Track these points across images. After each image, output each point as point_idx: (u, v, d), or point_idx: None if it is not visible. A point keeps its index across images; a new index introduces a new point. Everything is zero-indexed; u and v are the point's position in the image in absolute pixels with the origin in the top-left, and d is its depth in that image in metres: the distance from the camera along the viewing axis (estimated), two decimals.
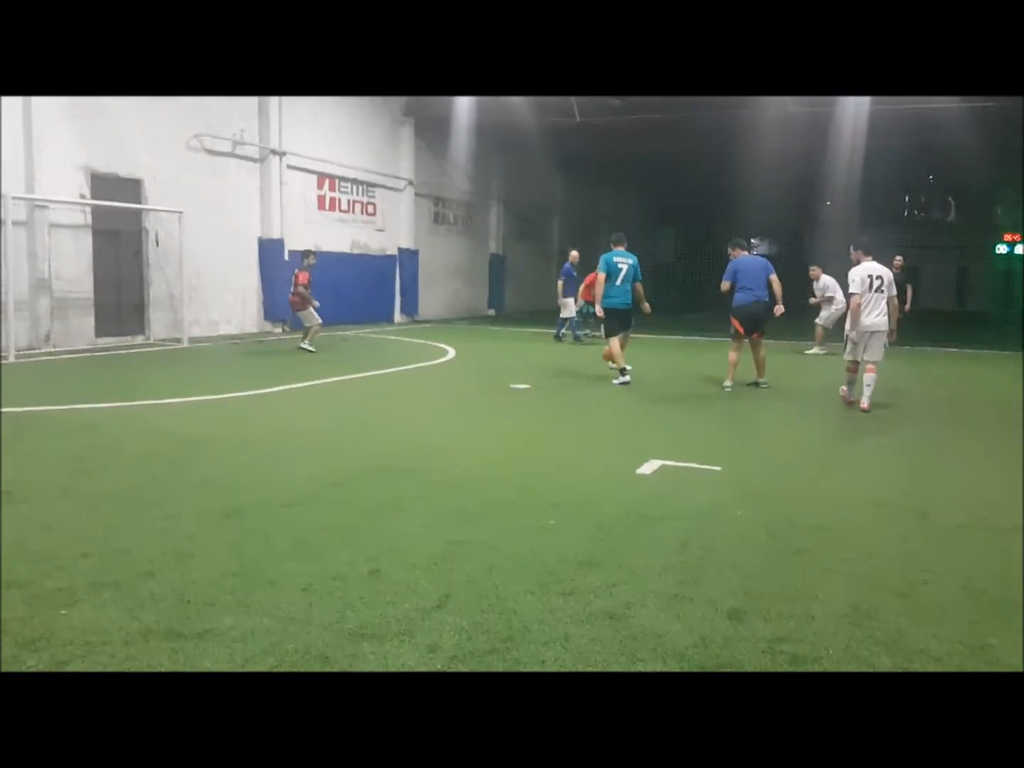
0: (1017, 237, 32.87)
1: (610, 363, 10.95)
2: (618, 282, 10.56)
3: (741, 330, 10.25)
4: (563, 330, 16.85)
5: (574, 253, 17.10)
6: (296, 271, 13.67)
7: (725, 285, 10.57)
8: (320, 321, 13.67)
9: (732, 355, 10.33)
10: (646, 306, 11.08)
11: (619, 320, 10.67)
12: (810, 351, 15.06)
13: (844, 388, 9.16)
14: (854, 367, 9.01)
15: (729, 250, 10.84)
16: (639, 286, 10.81)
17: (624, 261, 10.64)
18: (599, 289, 10.61)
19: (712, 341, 17.96)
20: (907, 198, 36.55)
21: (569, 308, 16.54)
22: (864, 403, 8.62)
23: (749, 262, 10.52)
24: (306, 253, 13.93)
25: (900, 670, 3.09)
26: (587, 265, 14.98)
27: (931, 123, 16.71)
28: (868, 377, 8.70)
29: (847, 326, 9.08)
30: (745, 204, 30.72)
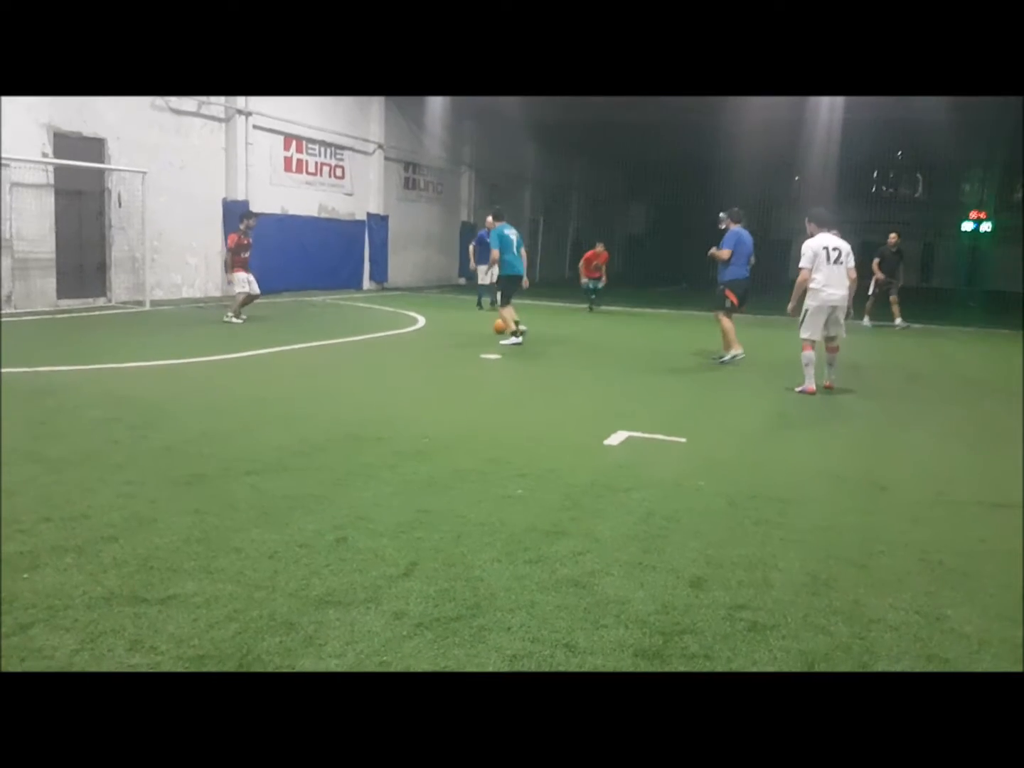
0: (983, 215, 33.34)
1: (502, 336, 11.53)
2: (515, 251, 11.56)
3: (737, 303, 10.19)
4: (483, 297, 17.23)
5: (490, 219, 16.92)
6: (235, 233, 12.74)
7: (726, 253, 10.20)
8: (247, 291, 12.54)
9: (728, 323, 10.25)
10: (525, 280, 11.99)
11: (517, 285, 11.76)
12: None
13: (810, 385, 8.27)
14: (829, 348, 8.52)
15: (725, 219, 10.49)
16: (524, 252, 11.90)
17: (514, 232, 11.69)
18: (493, 261, 11.78)
19: (683, 314, 18.09)
20: (875, 174, 36.85)
21: (482, 274, 16.85)
22: (828, 382, 8.44)
23: (748, 236, 10.35)
24: (247, 215, 12.98)
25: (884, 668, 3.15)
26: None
27: (900, 100, 16.80)
28: (830, 356, 8.50)
29: (798, 301, 8.45)
30: (717, 178, 30.76)
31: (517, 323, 11.27)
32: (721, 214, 10.55)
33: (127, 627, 2.98)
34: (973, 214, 33.43)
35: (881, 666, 2.95)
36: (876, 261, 15.77)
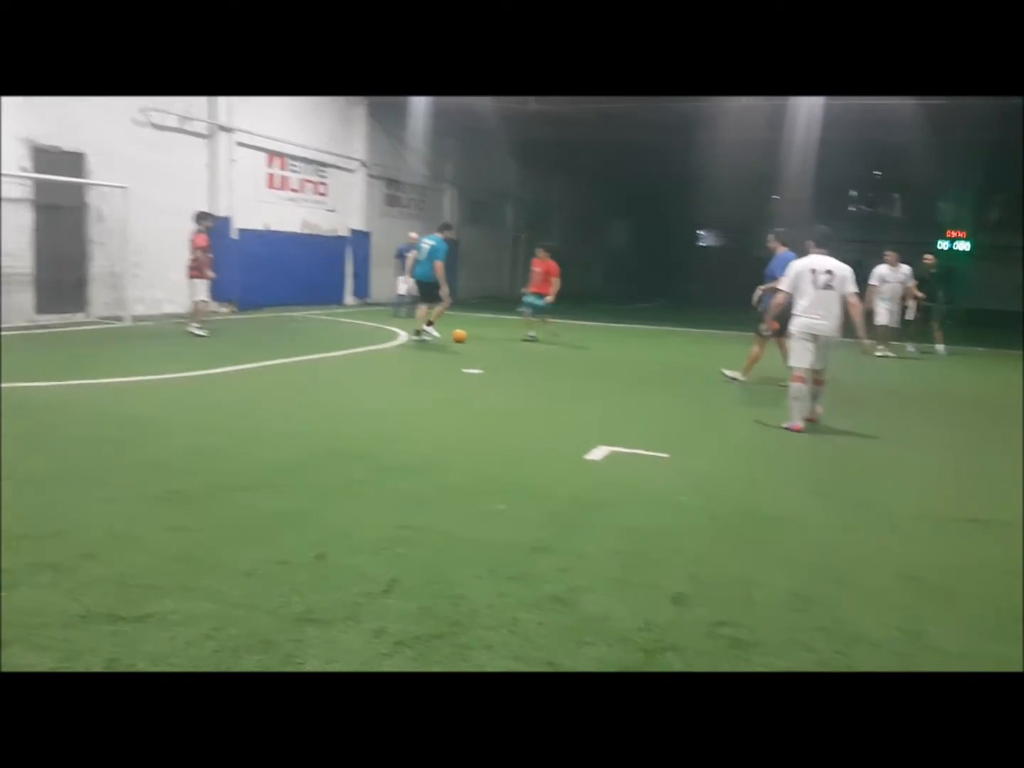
0: (961, 234, 33.77)
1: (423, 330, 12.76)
2: (422, 258, 12.86)
3: (778, 328, 8.96)
4: (400, 308, 17.92)
5: (413, 234, 17.81)
6: (194, 234, 12.71)
7: (784, 284, 7.90)
8: (205, 299, 12.67)
9: (757, 351, 9.85)
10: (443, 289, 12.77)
11: (424, 289, 12.99)
12: (880, 352, 13.81)
13: (797, 423, 7.34)
14: (803, 377, 7.35)
15: (773, 241, 9.84)
16: (438, 264, 12.61)
17: (427, 242, 12.96)
18: (410, 264, 13.47)
19: (664, 330, 18.17)
20: (855, 193, 37.30)
21: (401, 286, 17.67)
22: (811, 414, 7.56)
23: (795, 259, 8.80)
24: (202, 215, 13.03)
25: (889, 668, 3.16)
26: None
27: (879, 119, 17.03)
28: (815, 389, 7.60)
29: (769, 324, 7.80)
30: (697, 196, 30.99)
31: (430, 323, 12.71)
32: (770, 235, 9.95)
33: (104, 645, 2.94)
34: (950, 233, 33.84)
35: None
36: (914, 283, 14.80)
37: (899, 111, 16.63)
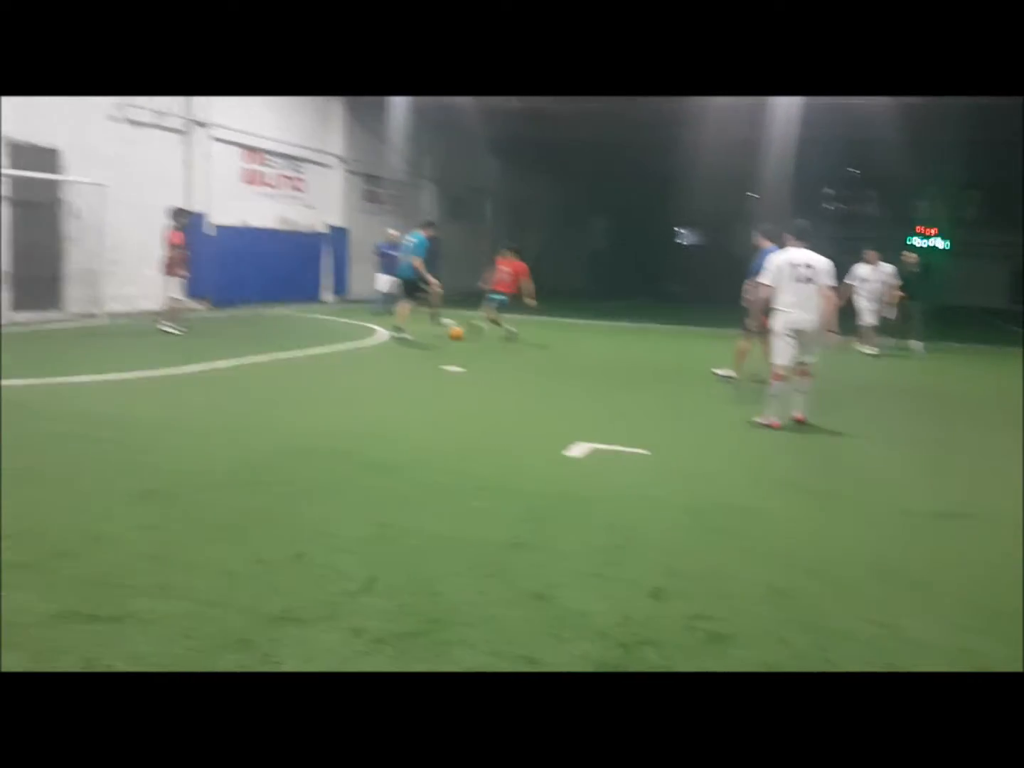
0: (932, 231, 34.15)
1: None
2: (405, 255, 13.20)
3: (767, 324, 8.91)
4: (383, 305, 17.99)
5: (392, 232, 18.40)
6: (169, 231, 12.60)
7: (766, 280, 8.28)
8: (179, 297, 12.57)
9: (745, 345, 9.56)
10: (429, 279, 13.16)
11: (407, 286, 13.18)
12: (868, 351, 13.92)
13: (773, 419, 7.28)
14: (784, 375, 7.30)
15: (757, 237, 9.55)
16: (415, 260, 12.92)
17: (410, 240, 13.26)
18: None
19: (643, 327, 18.23)
20: (831, 191, 37.60)
21: (381, 283, 18.10)
22: (799, 414, 7.40)
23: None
24: (178, 212, 12.88)
25: (886, 668, 3.19)
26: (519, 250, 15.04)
27: (856, 117, 17.16)
28: (800, 383, 7.38)
29: (757, 320, 7.47)
30: (676, 194, 31.09)
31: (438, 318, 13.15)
32: (754, 232, 9.68)
33: (80, 645, 2.91)
34: (926, 230, 34.20)
35: None
36: (898, 283, 14.52)
37: (875, 109, 16.77)
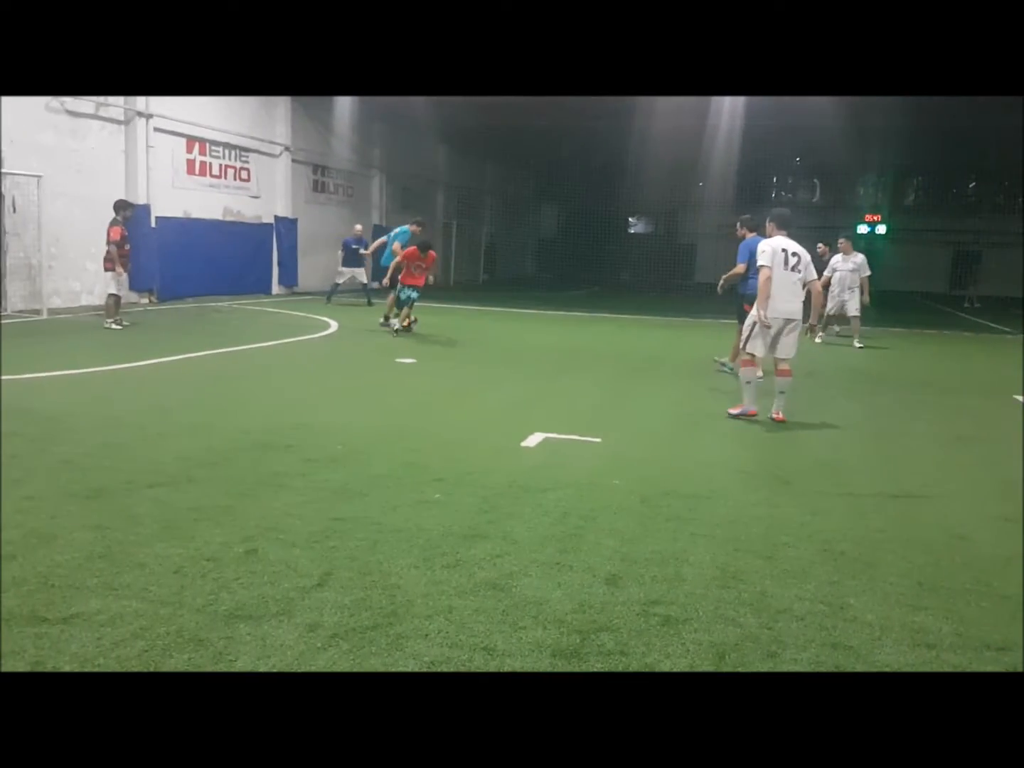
0: (877, 218, 34.87)
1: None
2: (389, 247, 13.67)
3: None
4: (332, 295, 18.81)
5: (358, 227, 19.46)
6: (108, 226, 12.19)
7: (740, 269, 9.02)
8: (118, 293, 12.21)
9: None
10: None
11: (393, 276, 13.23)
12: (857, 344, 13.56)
13: (750, 407, 7.21)
14: (754, 361, 7.26)
15: (740, 228, 9.28)
16: (396, 245, 13.50)
17: (395, 230, 13.97)
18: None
19: (595, 317, 18.33)
20: (774, 179, 38.18)
21: (342, 276, 18.81)
22: (779, 413, 7.15)
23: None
24: (121, 204, 12.40)
25: (876, 669, 3.25)
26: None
27: (798, 107, 17.40)
28: (780, 382, 7.19)
29: (754, 309, 7.16)
30: (625, 182, 31.28)
31: (400, 317, 12.80)
32: (738, 223, 9.39)
33: (28, 648, 2.85)
34: (868, 217, 34.90)
35: (788, 655, 3.05)
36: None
37: (818, 98, 17.02)
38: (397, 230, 14.12)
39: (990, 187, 36.36)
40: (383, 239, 14.65)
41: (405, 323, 12.79)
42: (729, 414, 7.29)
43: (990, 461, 6.22)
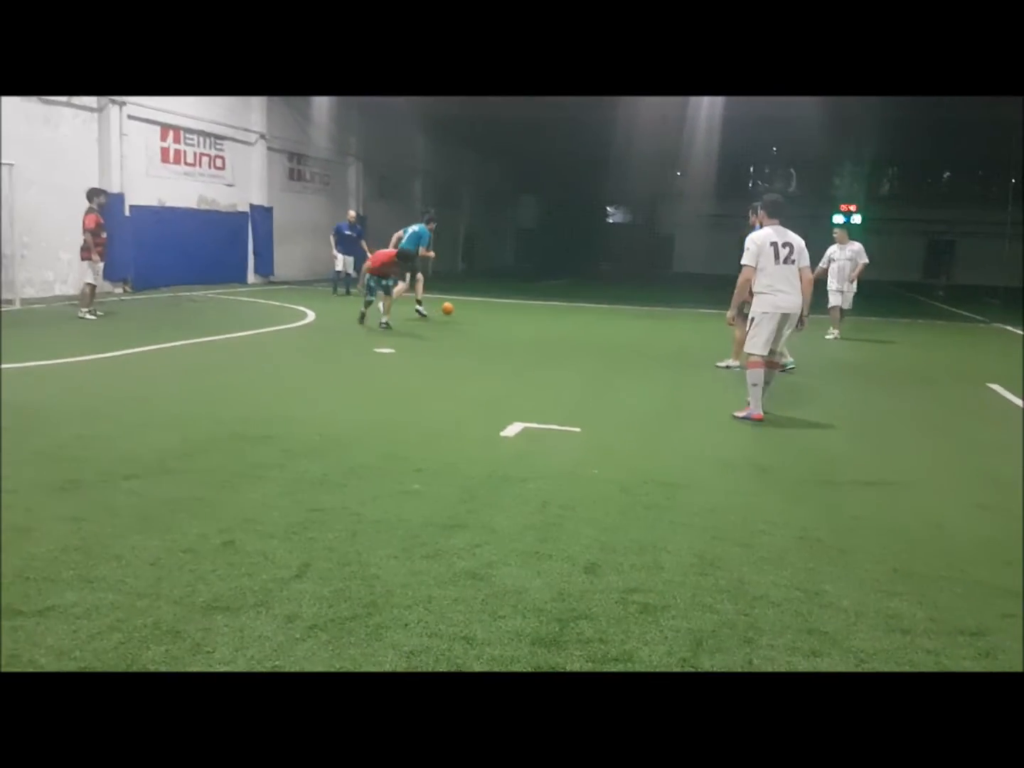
0: (853, 208, 35.10)
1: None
2: (404, 242, 13.35)
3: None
4: (338, 285, 18.51)
5: (351, 213, 19.64)
6: (84, 215, 12.16)
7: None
8: (94, 283, 12.19)
9: (743, 333, 8.48)
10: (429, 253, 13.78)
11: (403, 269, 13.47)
12: (828, 335, 13.29)
13: (755, 410, 6.80)
14: (769, 363, 6.89)
15: (752, 218, 8.48)
16: (423, 250, 13.50)
17: (412, 228, 13.59)
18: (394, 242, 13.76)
19: (573, 307, 18.34)
20: (751, 169, 38.36)
21: (339, 263, 18.48)
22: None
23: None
24: (94, 192, 12.42)
25: (860, 667, 3.27)
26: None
27: (775, 97, 17.44)
28: (769, 374, 6.99)
29: (738, 308, 6.99)
30: (603, 174, 31.27)
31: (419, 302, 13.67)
32: (750, 210, 8.71)
33: (3, 641, 2.82)
34: (843, 207, 35.13)
35: (765, 640, 3.07)
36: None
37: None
38: (416, 229, 13.39)
39: (964, 177, 36.75)
40: (400, 233, 13.71)
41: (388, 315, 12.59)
42: (734, 416, 6.92)
43: (966, 449, 6.30)
